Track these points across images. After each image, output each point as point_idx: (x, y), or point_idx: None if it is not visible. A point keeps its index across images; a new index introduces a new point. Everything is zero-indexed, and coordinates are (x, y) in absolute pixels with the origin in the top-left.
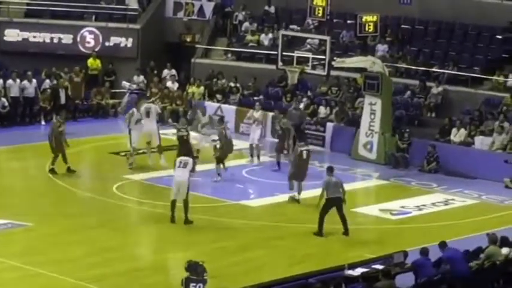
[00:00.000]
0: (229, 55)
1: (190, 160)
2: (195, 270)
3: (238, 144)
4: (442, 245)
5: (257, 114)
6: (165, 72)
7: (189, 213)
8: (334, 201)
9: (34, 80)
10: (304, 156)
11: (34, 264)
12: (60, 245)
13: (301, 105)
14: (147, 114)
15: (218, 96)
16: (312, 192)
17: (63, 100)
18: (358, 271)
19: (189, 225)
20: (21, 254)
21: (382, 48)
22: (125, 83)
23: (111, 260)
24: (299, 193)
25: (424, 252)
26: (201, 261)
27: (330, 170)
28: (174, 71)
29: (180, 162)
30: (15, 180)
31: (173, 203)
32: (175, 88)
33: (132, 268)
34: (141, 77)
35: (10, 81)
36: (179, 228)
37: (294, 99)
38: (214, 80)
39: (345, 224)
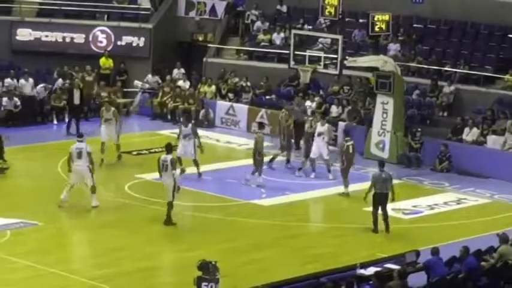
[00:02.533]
0: (241, 54)
1: (168, 159)
2: (207, 269)
3: (250, 143)
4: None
5: (323, 127)
6: (175, 71)
7: (172, 214)
8: (381, 197)
9: (30, 79)
10: (351, 150)
11: (45, 263)
12: (71, 244)
13: (314, 104)
14: (79, 155)
15: (230, 95)
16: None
17: (77, 100)
18: (370, 270)
19: (196, 225)
20: (32, 253)
21: (394, 47)
22: (137, 83)
23: (122, 259)
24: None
25: (435, 251)
26: (213, 260)
27: (381, 165)
28: (183, 70)
29: (163, 165)
30: (26, 180)
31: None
32: (187, 87)
33: (144, 267)
34: (156, 77)
35: (22, 80)
36: (191, 228)
37: (295, 97)
38: (226, 78)
39: (386, 220)
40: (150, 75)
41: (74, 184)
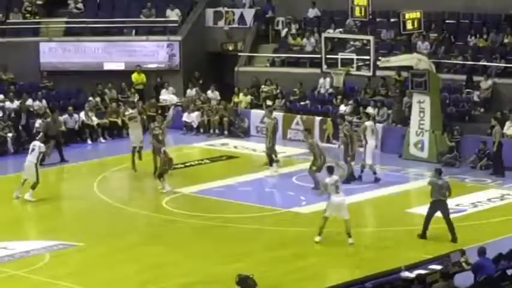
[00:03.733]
0: (276, 60)
1: (37, 145)
2: (246, 283)
3: (287, 151)
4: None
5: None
6: (209, 93)
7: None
8: (438, 204)
9: (75, 115)
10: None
11: (87, 284)
12: (111, 263)
13: (348, 109)
14: (31, 151)
15: (268, 102)
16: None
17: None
18: (415, 272)
19: (236, 236)
20: (73, 274)
21: (426, 45)
22: (165, 98)
23: (165, 276)
24: None
25: (482, 252)
26: (251, 274)
27: (438, 172)
28: (217, 93)
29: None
30: (65, 201)
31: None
32: (217, 98)
33: (187, 283)
34: (194, 90)
35: (66, 116)
36: (232, 240)
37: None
38: (262, 86)
39: (451, 230)
40: (189, 89)
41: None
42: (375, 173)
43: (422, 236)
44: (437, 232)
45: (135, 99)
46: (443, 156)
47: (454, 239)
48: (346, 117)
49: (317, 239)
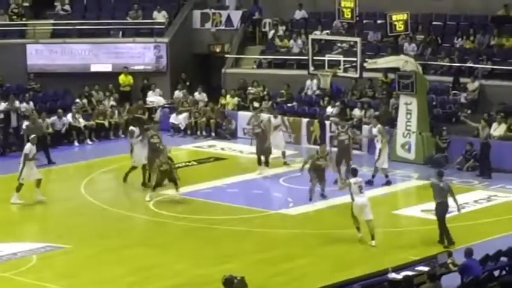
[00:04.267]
0: (263, 62)
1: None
2: (231, 285)
3: (274, 152)
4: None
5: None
6: (197, 95)
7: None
8: (442, 206)
9: (64, 118)
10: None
11: (75, 286)
12: (99, 265)
13: (335, 111)
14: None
15: (256, 104)
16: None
17: None
18: (403, 274)
19: (224, 238)
20: (60, 276)
21: (413, 46)
22: (152, 100)
23: (152, 278)
24: None
25: (469, 253)
26: (239, 276)
27: (439, 174)
28: (204, 95)
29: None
30: (51, 203)
31: None
32: (204, 99)
33: (173, 285)
34: (181, 93)
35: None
36: (219, 242)
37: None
38: (249, 88)
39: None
40: (177, 91)
41: None
42: (387, 176)
43: (449, 243)
44: (424, 234)
45: (112, 103)
46: (433, 156)
47: (441, 241)
48: (332, 119)
49: (359, 235)
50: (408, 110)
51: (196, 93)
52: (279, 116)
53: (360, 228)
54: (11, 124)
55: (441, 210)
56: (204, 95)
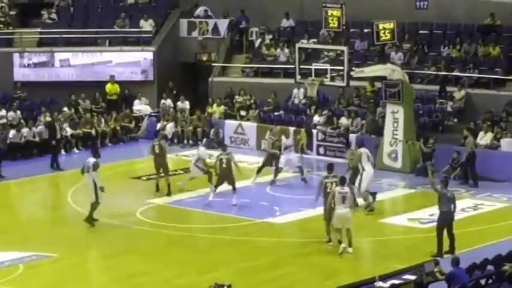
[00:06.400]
0: (248, 71)
1: (91, 162)
2: None
3: (260, 161)
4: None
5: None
6: (179, 104)
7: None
8: (448, 215)
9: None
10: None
11: None
12: (86, 274)
13: (321, 120)
14: None
15: (242, 112)
16: None
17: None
18: (389, 283)
19: (211, 246)
20: (48, 285)
21: (399, 55)
22: (139, 108)
23: (140, 286)
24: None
25: (456, 261)
26: (227, 284)
27: (444, 183)
28: (187, 103)
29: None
30: (37, 211)
31: None
32: (187, 107)
33: None
34: (168, 101)
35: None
36: (206, 250)
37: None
38: (236, 96)
39: (452, 243)
40: (163, 99)
41: None
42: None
43: (438, 254)
44: (410, 242)
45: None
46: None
47: (451, 251)
48: (319, 127)
49: (341, 248)
50: (395, 119)
51: (179, 102)
52: (291, 137)
53: (342, 242)
54: None
55: (446, 218)
56: (187, 103)
